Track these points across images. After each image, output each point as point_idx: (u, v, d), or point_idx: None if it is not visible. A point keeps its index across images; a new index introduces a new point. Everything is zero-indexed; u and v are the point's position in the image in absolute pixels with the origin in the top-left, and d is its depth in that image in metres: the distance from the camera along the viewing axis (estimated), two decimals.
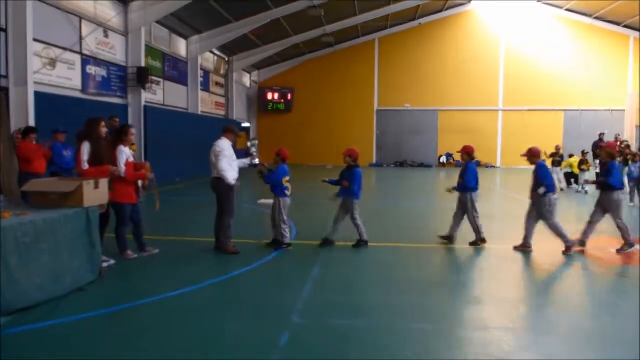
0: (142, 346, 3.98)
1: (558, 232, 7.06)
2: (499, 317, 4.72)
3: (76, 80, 12.85)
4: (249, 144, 7.04)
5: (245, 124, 27.85)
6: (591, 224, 7.31)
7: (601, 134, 19.70)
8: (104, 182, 5.68)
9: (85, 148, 5.95)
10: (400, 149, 27.87)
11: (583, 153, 15.45)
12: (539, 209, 7.08)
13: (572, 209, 11.75)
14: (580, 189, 14.80)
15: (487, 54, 27.30)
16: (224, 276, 5.91)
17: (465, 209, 7.58)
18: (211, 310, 4.81)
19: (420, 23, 27.42)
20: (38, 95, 10.81)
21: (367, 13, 23.22)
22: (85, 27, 13.14)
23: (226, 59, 24.52)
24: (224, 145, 6.95)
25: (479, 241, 7.59)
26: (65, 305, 4.79)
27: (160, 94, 17.76)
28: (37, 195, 5.49)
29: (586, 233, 7.32)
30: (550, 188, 6.98)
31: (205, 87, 22.11)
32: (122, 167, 6.29)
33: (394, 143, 27.93)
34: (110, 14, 14.15)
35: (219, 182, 6.89)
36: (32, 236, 4.63)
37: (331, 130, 27.61)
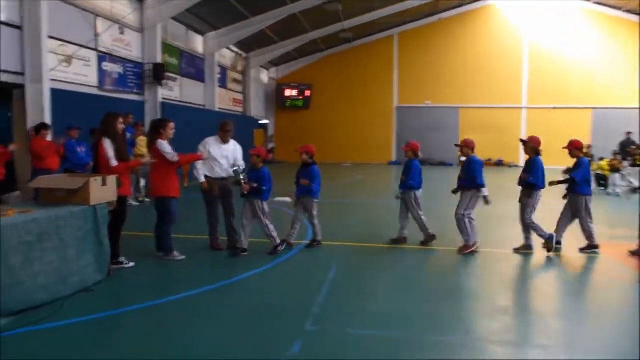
0: (148, 351, 3.77)
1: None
2: (531, 332, 4.37)
3: (92, 78, 12.77)
4: (235, 168, 6.64)
5: (264, 121, 27.70)
6: (561, 223, 7.16)
7: (629, 133, 19.07)
8: (112, 180, 5.49)
9: (108, 144, 5.74)
10: (421, 147, 27.34)
11: (615, 154, 14.99)
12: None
13: (606, 213, 11.26)
14: (612, 191, 14.36)
15: (511, 50, 26.61)
16: (238, 277, 5.69)
17: (410, 207, 7.30)
18: (221, 314, 4.58)
19: (440, 18, 26.90)
20: (54, 92, 10.73)
21: (386, 8, 22.81)
22: (101, 24, 13.05)
23: (244, 55, 24.37)
24: (207, 142, 6.82)
25: (428, 238, 7.36)
26: (71, 307, 4.62)
27: (178, 90, 17.66)
28: (45, 192, 5.33)
29: (559, 232, 7.14)
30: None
31: (223, 84, 21.98)
32: (172, 153, 6.22)
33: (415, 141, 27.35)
34: (126, 10, 14.05)
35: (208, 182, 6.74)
36: (36, 235, 4.46)
37: (350, 128, 27.28)
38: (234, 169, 6.55)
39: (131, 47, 14.57)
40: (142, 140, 10.99)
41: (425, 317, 4.54)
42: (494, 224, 8.77)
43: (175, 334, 4.11)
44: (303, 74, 28.71)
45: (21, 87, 10.29)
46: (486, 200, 6.89)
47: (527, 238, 7.04)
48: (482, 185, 6.82)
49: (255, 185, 6.51)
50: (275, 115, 29.11)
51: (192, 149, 6.99)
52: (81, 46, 12.11)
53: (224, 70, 22.02)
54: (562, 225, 7.19)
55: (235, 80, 23.86)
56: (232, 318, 4.46)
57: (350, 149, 27.35)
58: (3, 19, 9.80)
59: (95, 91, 12.78)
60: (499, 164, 25.85)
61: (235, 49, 23.23)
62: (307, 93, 28.21)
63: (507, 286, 5.86)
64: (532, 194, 6.84)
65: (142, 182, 11.65)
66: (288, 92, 28.29)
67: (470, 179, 6.88)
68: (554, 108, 26.00)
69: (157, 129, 6.43)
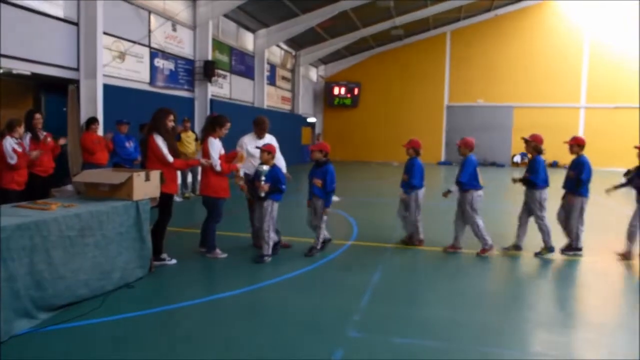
0: (185, 351, 3.64)
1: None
2: (597, 349, 3.97)
3: (144, 74, 12.98)
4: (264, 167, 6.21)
5: (311, 119, 27.62)
6: (521, 225, 6.87)
7: None
8: (155, 175, 5.44)
9: (160, 141, 5.64)
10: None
11: None
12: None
13: None
14: None
15: (569, 47, 25.38)
16: (277, 278, 5.51)
17: (409, 208, 6.93)
18: (260, 316, 4.41)
19: (496, 14, 25.98)
20: (107, 88, 10.95)
21: (440, 4, 22.20)
22: (154, 21, 13.26)
23: (293, 53, 24.35)
24: (244, 140, 6.64)
25: (416, 241, 7.00)
26: (112, 303, 4.57)
27: (227, 87, 17.79)
28: (90, 187, 5.34)
29: (519, 237, 6.87)
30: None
31: (272, 81, 22.02)
32: (216, 160, 5.99)
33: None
34: (178, 7, 14.22)
35: (247, 179, 6.58)
36: (78, 229, 4.42)
37: (398, 127, 26.76)
38: (260, 169, 5.97)
39: (183, 44, 14.75)
40: (187, 137, 11.04)
41: (475, 327, 4.22)
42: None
43: (213, 335, 3.96)
44: (352, 72, 28.43)
45: (76, 82, 10.54)
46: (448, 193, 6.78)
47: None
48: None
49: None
50: (323, 113, 28.97)
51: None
52: (134, 42, 12.32)
53: (273, 67, 22.05)
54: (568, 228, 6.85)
55: (284, 78, 23.87)
56: (271, 321, 4.28)
57: (398, 149, 26.61)
58: (61, 15, 10.05)
59: (146, 87, 12.99)
60: (554, 165, 24.76)
61: (285, 47, 23.23)
62: (356, 91, 27.93)
63: (562, 295, 5.42)
64: (536, 193, 6.66)
65: (189, 178, 11.72)
66: (336, 90, 28.10)
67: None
68: (616, 107, 24.59)
69: (213, 126, 6.20)
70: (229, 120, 6.34)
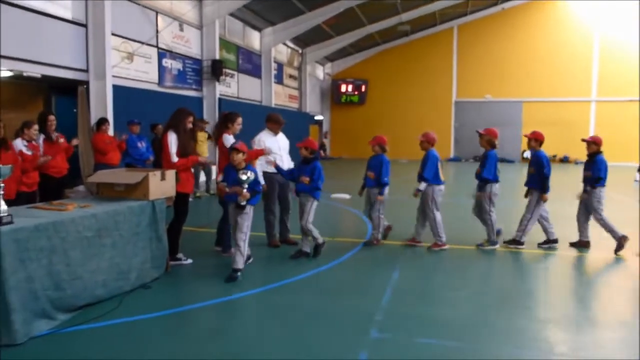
0: (205, 351, 3.59)
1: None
2: (622, 349, 3.86)
3: (153, 74, 12.97)
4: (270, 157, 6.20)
5: (319, 117, 27.55)
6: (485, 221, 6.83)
7: None
8: (171, 174, 5.40)
9: (173, 139, 5.59)
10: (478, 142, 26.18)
11: None
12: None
13: None
14: None
15: (579, 40, 25.13)
16: (295, 277, 5.46)
17: (371, 205, 6.86)
18: (280, 316, 4.36)
19: (503, 8, 25.79)
20: (116, 88, 10.94)
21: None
22: (162, 21, 13.23)
23: (300, 51, 24.28)
24: (261, 137, 6.56)
25: (374, 240, 6.90)
26: (129, 303, 4.54)
27: (235, 86, 17.76)
28: (104, 187, 5.30)
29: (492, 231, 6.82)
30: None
31: (279, 79, 21.97)
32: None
33: (473, 137, 26.18)
34: (185, 7, 14.19)
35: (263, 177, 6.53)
36: (95, 230, 4.39)
37: (406, 123, 26.62)
38: (244, 177, 5.13)
39: (190, 43, 14.73)
40: (202, 136, 10.99)
41: (498, 327, 4.14)
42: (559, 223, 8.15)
43: (232, 335, 3.92)
44: (359, 69, 28.34)
45: (85, 83, 10.53)
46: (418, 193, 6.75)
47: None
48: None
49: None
50: (331, 111, 28.90)
51: (250, 144, 6.81)
52: (142, 43, 12.30)
53: (280, 66, 22.01)
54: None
55: (291, 76, 23.82)
56: (291, 321, 4.23)
57: (406, 145, 26.48)
58: (69, 17, 10.04)
59: (155, 87, 12.98)
60: (565, 160, 24.58)
61: (292, 45, 23.18)
62: (363, 88, 27.85)
63: (585, 293, 5.33)
64: (486, 187, 6.71)
65: (202, 177, 11.69)
66: (343, 88, 28.03)
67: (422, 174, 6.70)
68: (629, 101, 24.28)
69: (225, 122, 6.21)
70: (240, 114, 6.33)
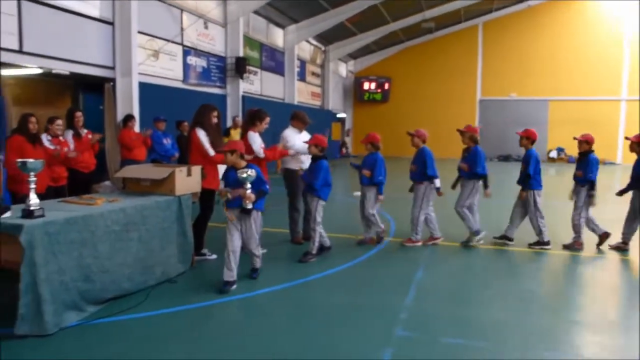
0: (227, 347, 3.62)
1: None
2: None
3: (178, 71, 13.10)
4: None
5: (341, 115, 27.51)
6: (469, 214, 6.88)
7: None
8: (197, 170, 5.45)
9: (202, 135, 5.62)
10: (505, 142, 25.58)
11: None
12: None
13: None
14: None
15: (608, 38, 24.51)
16: (318, 274, 5.46)
17: (366, 203, 6.73)
18: (304, 313, 4.37)
19: (529, 5, 25.36)
20: (142, 85, 11.08)
21: None
22: (187, 19, 13.35)
23: (323, 48, 24.27)
24: (288, 134, 6.53)
25: (368, 240, 6.79)
26: (156, 297, 4.60)
27: (258, 84, 17.84)
28: (131, 182, 5.38)
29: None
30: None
31: (302, 77, 22.00)
32: (258, 148, 5.99)
33: (498, 136, 25.75)
34: (210, 5, 14.30)
35: (288, 173, 6.58)
36: (123, 224, 4.45)
37: (430, 122, 26.19)
38: (244, 175, 4.67)
39: (214, 41, 14.83)
40: (236, 133, 11.01)
41: (526, 328, 4.07)
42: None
43: (255, 332, 3.92)
44: (382, 66, 28.19)
45: (112, 80, 10.69)
46: (438, 192, 6.77)
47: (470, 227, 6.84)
48: (435, 177, 6.67)
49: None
50: (353, 108, 28.82)
51: (273, 141, 6.83)
52: (168, 41, 12.43)
53: (303, 63, 22.03)
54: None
55: (314, 74, 23.82)
56: (315, 318, 4.23)
57: (429, 143, 26.48)
58: (97, 15, 10.20)
59: (179, 85, 13.11)
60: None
61: (315, 42, 23.17)
62: (386, 86, 27.69)
63: (615, 295, 5.22)
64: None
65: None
66: (366, 85, 27.92)
67: (422, 171, 6.68)
68: None
69: (252, 120, 6.20)
70: (269, 114, 6.31)
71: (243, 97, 15.74)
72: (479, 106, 26.75)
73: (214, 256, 5.89)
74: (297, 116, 6.71)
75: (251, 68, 16.68)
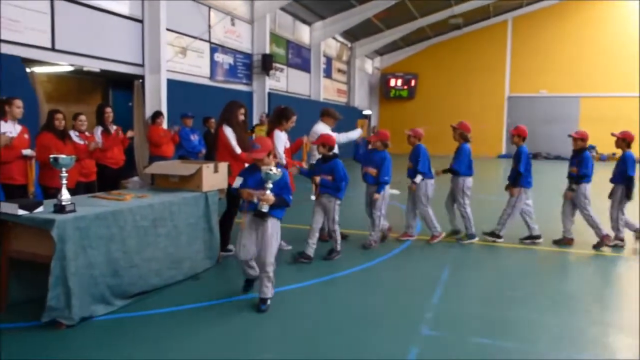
0: (247, 345, 3.63)
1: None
2: None
3: (205, 68, 13.22)
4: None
5: (367, 112, 27.37)
6: (449, 211, 7.16)
7: None
8: (223, 167, 5.48)
9: (229, 132, 5.65)
10: (534, 139, 24.78)
11: None
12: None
13: None
14: None
15: None
16: (342, 272, 5.44)
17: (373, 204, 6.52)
18: (331, 311, 4.35)
19: (560, 0, 24.76)
20: (170, 82, 11.22)
21: None
22: (214, 16, 13.45)
23: (349, 45, 24.16)
24: (320, 129, 6.48)
25: (372, 242, 6.48)
26: (182, 292, 4.64)
27: (284, 81, 17.87)
28: (160, 178, 5.44)
29: (451, 221, 7.17)
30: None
31: (328, 74, 21.95)
32: (281, 154, 5.89)
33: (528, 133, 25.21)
34: (237, 2, 14.38)
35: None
36: (151, 220, 4.51)
37: (456, 119, 25.80)
38: (269, 172, 4.06)
39: (241, 38, 14.91)
40: (261, 130, 11.06)
41: (556, 330, 3.97)
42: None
43: (280, 329, 3.93)
44: (408, 63, 27.93)
45: (141, 77, 10.84)
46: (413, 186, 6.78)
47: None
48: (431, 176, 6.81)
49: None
50: (379, 105, 28.65)
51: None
52: (195, 38, 12.55)
53: (329, 60, 21.98)
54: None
55: (340, 70, 23.74)
56: (341, 317, 4.20)
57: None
58: (126, 13, 10.35)
59: (207, 82, 13.22)
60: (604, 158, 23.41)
61: (341, 39, 23.09)
62: (412, 83, 27.44)
63: None
64: (459, 180, 6.82)
65: None
66: (392, 82, 27.72)
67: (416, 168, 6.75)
68: None
69: (279, 119, 6.15)
70: (295, 113, 6.26)
71: (269, 94, 15.80)
72: (507, 103, 26.29)
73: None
74: (328, 112, 6.73)
75: (277, 65, 16.72)
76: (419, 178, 6.67)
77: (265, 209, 4.09)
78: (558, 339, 3.81)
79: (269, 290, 4.26)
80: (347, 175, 5.73)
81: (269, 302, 4.27)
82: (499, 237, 6.79)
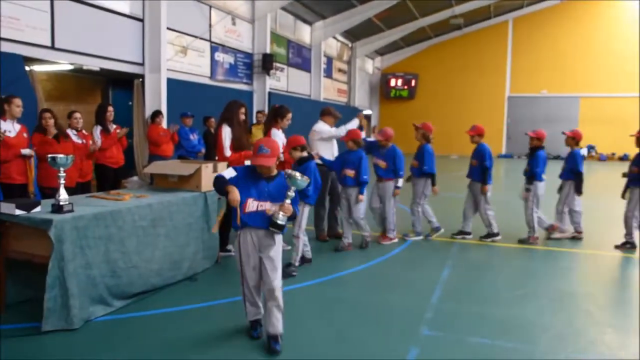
0: (254, 344, 3.61)
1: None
2: None
3: (205, 68, 13.20)
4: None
5: (367, 112, 27.36)
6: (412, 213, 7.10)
7: None
8: (223, 167, 5.46)
9: (227, 132, 5.66)
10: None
11: None
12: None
13: None
14: None
15: None
16: (342, 272, 5.43)
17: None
18: (331, 310, 4.34)
19: (561, 1, 24.75)
20: (170, 82, 11.19)
21: None
22: (215, 16, 13.43)
23: (349, 45, 24.15)
24: (323, 129, 6.50)
25: (347, 245, 6.37)
26: (181, 293, 4.63)
27: (285, 80, 17.85)
28: (159, 178, 5.42)
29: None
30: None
31: (328, 74, 21.94)
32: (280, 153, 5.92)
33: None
34: (238, 1, 14.36)
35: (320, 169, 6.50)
36: (150, 220, 4.49)
37: (457, 119, 26.00)
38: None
39: (242, 37, 14.89)
40: (258, 129, 11.05)
41: (556, 329, 3.96)
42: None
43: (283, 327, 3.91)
44: (409, 63, 27.93)
45: (141, 76, 10.82)
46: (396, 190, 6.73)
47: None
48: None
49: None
50: (380, 105, 28.64)
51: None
52: (196, 37, 12.53)
53: (329, 60, 21.96)
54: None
55: (340, 70, 23.73)
56: (340, 317, 4.19)
57: (457, 141, 26.10)
58: (127, 12, 10.33)
59: (207, 81, 13.20)
60: (624, 158, 23.38)
61: (341, 39, 23.07)
62: (413, 83, 27.44)
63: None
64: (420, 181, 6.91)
65: None
66: (393, 82, 27.72)
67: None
68: None
69: (275, 117, 6.18)
70: (290, 110, 6.30)
71: (269, 93, 15.78)
72: (507, 103, 26.28)
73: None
74: (328, 112, 6.73)
75: (278, 64, 16.70)
76: (400, 182, 6.69)
77: (283, 221, 3.41)
78: (558, 339, 3.79)
79: (280, 323, 3.50)
80: (318, 179, 5.27)
81: (280, 339, 3.51)
82: (467, 233, 7.00)
